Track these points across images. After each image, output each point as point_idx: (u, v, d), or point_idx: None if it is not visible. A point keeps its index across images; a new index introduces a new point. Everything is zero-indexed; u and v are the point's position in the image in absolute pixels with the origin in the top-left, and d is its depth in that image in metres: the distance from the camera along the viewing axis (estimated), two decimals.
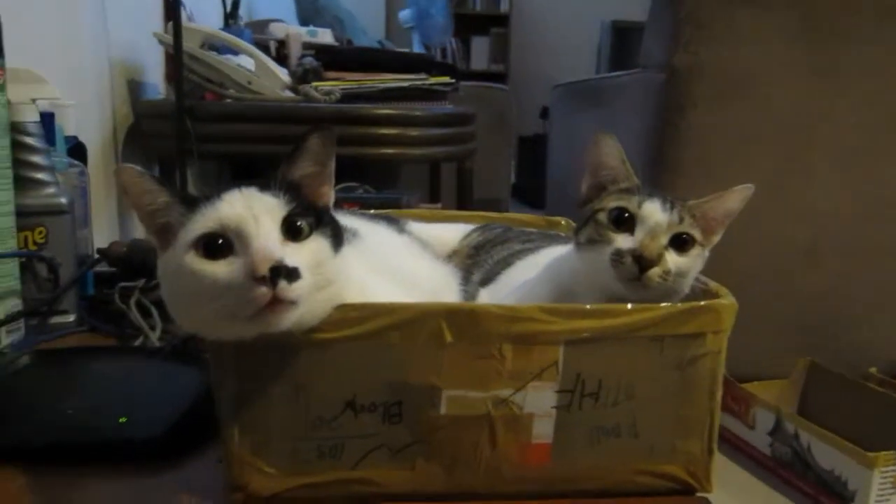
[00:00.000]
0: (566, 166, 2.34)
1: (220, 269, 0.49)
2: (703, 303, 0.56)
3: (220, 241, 0.50)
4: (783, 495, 1.44)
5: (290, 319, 0.50)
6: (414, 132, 1.53)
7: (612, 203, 0.62)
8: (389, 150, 1.52)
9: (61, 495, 0.56)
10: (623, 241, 0.60)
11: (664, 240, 0.60)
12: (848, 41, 1.57)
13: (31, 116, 0.90)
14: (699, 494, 0.59)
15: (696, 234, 0.61)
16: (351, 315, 0.53)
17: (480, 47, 5.67)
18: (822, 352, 1.63)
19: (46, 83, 0.95)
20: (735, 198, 0.63)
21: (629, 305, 0.55)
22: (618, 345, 0.55)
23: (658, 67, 1.58)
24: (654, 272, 0.58)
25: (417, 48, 4.47)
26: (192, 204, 0.52)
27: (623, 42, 4.82)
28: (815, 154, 1.62)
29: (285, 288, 0.48)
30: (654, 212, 0.60)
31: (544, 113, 4.24)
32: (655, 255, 0.58)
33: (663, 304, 0.56)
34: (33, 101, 0.91)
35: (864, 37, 1.57)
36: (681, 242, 0.60)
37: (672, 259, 0.60)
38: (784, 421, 1.46)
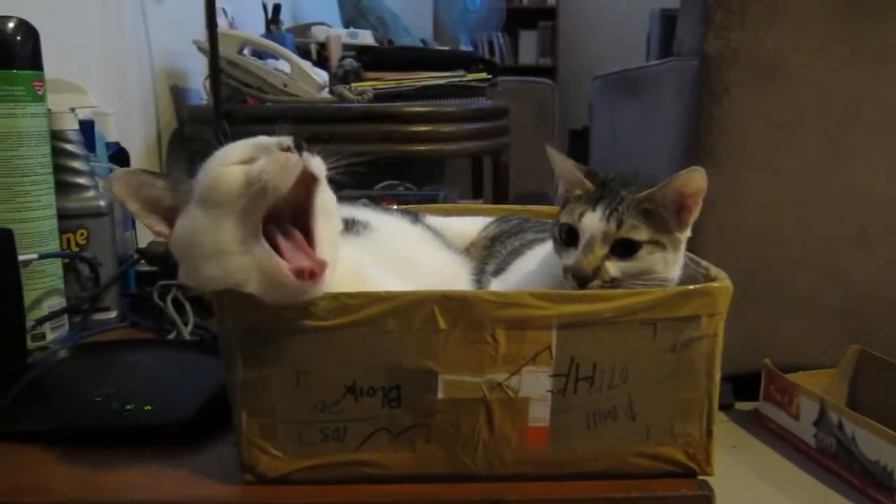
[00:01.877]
0: (607, 158, 2.32)
1: (248, 167, 0.53)
2: (694, 286, 0.57)
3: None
4: (829, 486, 1.40)
5: (319, 289, 0.53)
6: (446, 128, 1.54)
7: (562, 218, 0.64)
8: (422, 147, 1.54)
9: (87, 474, 0.60)
10: (567, 257, 0.62)
11: (602, 251, 0.60)
12: (892, 19, 1.52)
13: (70, 125, 0.95)
14: (700, 477, 0.59)
15: (643, 233, 0.61)
16: (348, 303, 0.55)
17: (528, 41, 5.65)
18: (871, 340, 1.59)
19: (85, 93, 1.00)
20: (689, 179, 0.61)
21: (620, 290, 0.56)
22: (610, 329, 0.56)
23: (691, 54, 1.56)
24: (595, 284, 0.60)
25: (465, 46, 4.48)
26: (191, 175, 0.57)
27: (672, 30, 4.71)
28: (861, 136, 1.57)
29: (310, 158, 0.53)
30: (590, 224, 0.61)
31: None
32: (589, 270, 0.60)
33: (655, 289, 0.56)
34: (72, 109, 0.96)
35: None
36: (623, 248, 0.61)
37: (615, 266, 0.60)
38: (828, 411, 1.42)
